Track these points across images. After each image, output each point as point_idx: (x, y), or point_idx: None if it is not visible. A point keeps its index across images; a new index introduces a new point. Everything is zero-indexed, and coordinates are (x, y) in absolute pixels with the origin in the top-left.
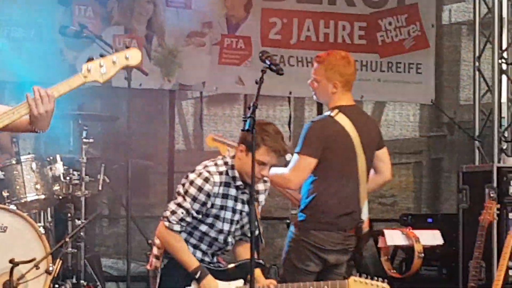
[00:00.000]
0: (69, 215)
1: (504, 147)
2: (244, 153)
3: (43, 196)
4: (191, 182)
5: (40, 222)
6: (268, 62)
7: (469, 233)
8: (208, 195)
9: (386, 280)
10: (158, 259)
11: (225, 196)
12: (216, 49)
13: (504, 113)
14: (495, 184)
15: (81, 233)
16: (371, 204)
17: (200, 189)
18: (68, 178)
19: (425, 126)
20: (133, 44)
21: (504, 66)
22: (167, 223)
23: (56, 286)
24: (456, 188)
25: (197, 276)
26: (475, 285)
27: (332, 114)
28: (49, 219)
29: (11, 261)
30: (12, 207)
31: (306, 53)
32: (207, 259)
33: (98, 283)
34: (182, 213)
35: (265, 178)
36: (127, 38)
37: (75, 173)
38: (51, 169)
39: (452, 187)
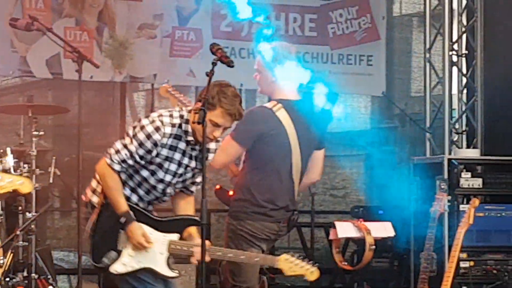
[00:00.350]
0: (20, 208)
1: (455, 139)
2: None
3: None
4: (142, 127)
5: None
6: (218, 55)
7: (420, 225)
8: (155, 144)
9: (317, 265)
10: (94, 194)
11: (173, 148)
12: (167, 41)
13: (455, 104)
14: (446, 176)
15: (32, 226)
16: (322, 196)
17: (148, 136)
18: (18, 170)
19: (376, 118)
20: (84, 37)
21: (454, 58)
22: (108, 161)
23: (7, 279)
24: (407, 180)
25: (122, 220)
26: (426, 277)
27: (274, 109)
28: (0, 212)
29: None
30: None
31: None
32: (142, 205)
33: (50, 276)
34: (126, 154)
35: (213, 145)
36: (78, 30)
37: (25, 165)
38: (1, 162)
39: (403, 179)
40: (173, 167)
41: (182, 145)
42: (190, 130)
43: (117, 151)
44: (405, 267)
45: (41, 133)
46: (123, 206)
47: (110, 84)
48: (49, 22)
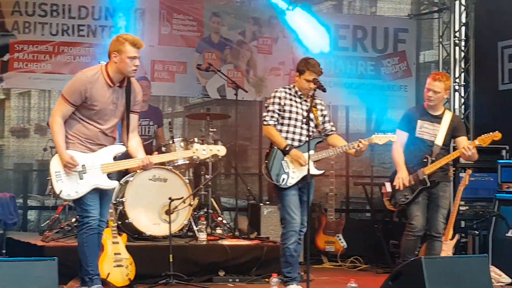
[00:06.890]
0: (202, 172)
1: None
2: (298, 77)
3: (187, 161)
4: (269, 98)
5: (185, 176)
6: (317, 85)
7: None
8: (279, 98)
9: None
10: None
11: (290, 100)
12: (287, 77)
13: None
14: None
15: (209, 183)
16: (378, 167)
17: (274, 96)
18: None
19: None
20: (239, 75)
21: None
22: (265, 122)
23: (195, 213)
24: None
25: (286, 149)
26: None
27: None
28: (191, 175)
29: (169, 198)
30: (170, 167)
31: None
32: (295, 143)
33: (219, 211)
34: (272, 111)
35: (319, 101)
36: (235, 71)
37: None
38: (191, 146)
39: None
40: (299, 111)
41: (298, 100)
42: (297, 89)
43: (265, 116)
44: None
45: (214, 130)
46: (284, 142)
47: (253, 102)
48: (218, 66)
